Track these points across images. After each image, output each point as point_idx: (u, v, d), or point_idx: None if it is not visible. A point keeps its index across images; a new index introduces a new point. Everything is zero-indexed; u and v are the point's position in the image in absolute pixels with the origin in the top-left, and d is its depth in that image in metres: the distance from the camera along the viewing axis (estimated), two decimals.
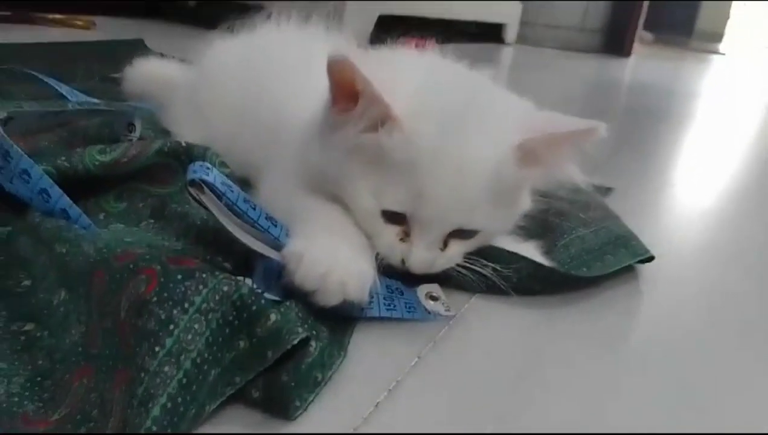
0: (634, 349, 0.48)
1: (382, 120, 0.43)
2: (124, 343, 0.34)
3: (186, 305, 0.34)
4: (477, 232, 0.49)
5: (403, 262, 0.47)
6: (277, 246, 0.44)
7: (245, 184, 0.56)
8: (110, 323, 0.35)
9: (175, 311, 0.34)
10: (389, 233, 0.47)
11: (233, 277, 0.38)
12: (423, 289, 0.49)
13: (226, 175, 0.52)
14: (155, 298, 0.34)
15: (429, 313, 0.47)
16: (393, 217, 0.46)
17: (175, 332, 0.33)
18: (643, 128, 1.50)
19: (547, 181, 0.52)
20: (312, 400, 0.36)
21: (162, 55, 1.09)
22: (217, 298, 0.35)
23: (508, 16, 3.30)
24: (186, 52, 0.84)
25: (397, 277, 0.48)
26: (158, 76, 0.88)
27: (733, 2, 5.52)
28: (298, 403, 0.35)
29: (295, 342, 0.35)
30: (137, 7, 2.21)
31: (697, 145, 1.45)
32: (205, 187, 0.43)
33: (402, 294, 0.48)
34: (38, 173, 0.47)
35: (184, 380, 0.32)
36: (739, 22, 5.66)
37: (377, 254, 0.47)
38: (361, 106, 0.43)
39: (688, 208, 0.91)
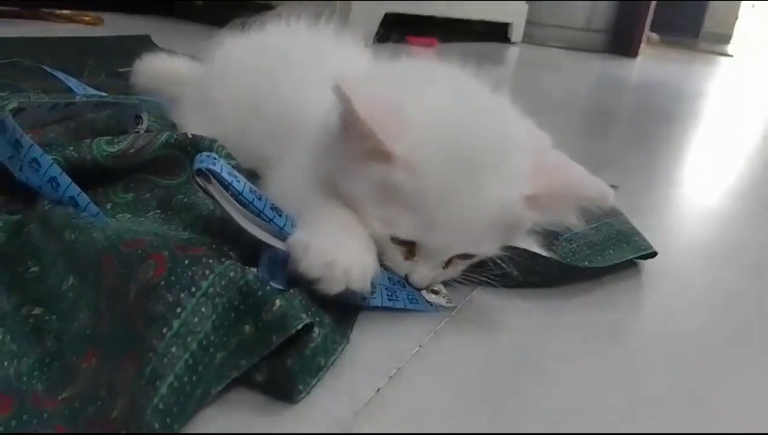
0: (635, 344, 0.49)
1: (385, 156, 0.43)
2: (133, 326, 0.34)
3: (193, 289, 0.35)
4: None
5: (406, 276, 0.48)
6: (282, 236, 0.45)
7: (252, 175, 0.57)
8: (119, 307, 0.36)
9: (182, 295, 0.34)
10: (395, 252, 0.48)
11: (240, 264, 0.38)
12: None
13: (233, 167, 0.52)
14: (163, 282, 0.35)
15: (431, 305, 0.48)
16: (401, 241, 0.47)
17: (183, 315, 0.34)
18: (650, 128, 1.50)
19: (550, 223, 0.52)
20: (314, 385, 0.36)
21: (170, 51, 1.10)
22: (223, 283, 0.36)
23: (514, 15, 3.30)
24: (194, 49, 0.85)
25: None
26: (167, 71, 0.89)
27: (742, 3, 5.49)
28: (301, 387, 0.35)
29: (299, 327, 0.36)
30: (145, 4, 2.22)
31: (704, 146, 1.45)
32: (211, 177, 0.44)
33: (404, 286, 0.48)
34: (48, 162, 0.48)
35: (191, 361, 0.32)
36: (747, 23, 5.63)
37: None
38: (360, 140, 0.43)
39: (694, 207, 0.91)
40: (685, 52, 4.65)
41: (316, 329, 0.38)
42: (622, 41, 3.49)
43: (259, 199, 0.46)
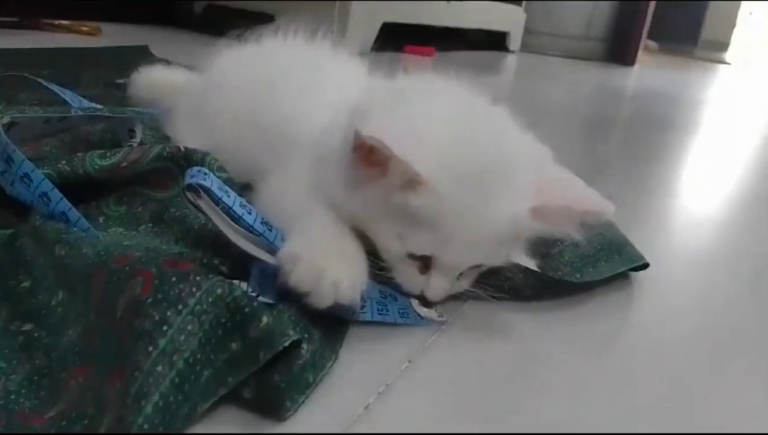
0: (625, 355, 0.49)
1: (412, 184, 0.44)
2: (121, 342, 0.34)
3: (180, 307, 0.35)
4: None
5: (421, 291, 0.49)
6: (272, 250, 0.45)
7: (246, 188, 0.57)
8: (108, 323, 0.36)
9: (168, 312, 0.34)
10: (410, 268, 0.48)
11: (227, 280, 0.38)
12: None
13: (224, 180, 0.53)
14: (150, 300, 0.35)
15: (422, 318, 0.48)
16: (417, 256, 0.48)
17: (169, 333, 0.34)
18: (648, 136, 1.50)
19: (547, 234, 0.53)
20: (303, 402, 0.36)
21: (168, 61, 1.10)
22: (210, 300, 0.36)
23: (512, 24, 3.31)
24: (192, 59, 0.85)
25: (391, 286, 0.49)
26: (164, 82, 0.89)
27: (739, 12, 5.52)
28: (289, 404, 0.35)
29: (287, 344, 0.36)
30: (144, 14, 2.23)
31: (701, 154, 1.45)
32: (201, 192, 0.44)
33: (395, 300, 0.48)
34: (39, 177, 0.48)
35: (177, 380, 0.32)
36: (745, 31, 5.65)
37: (384, 271, 0.49)
38: (392, 176, 0.44)
39: (689, 217, 0.91)
40: (683, 60, 4.67)
41: (304, 345, 0.38)
42: (619, 49, 3.50)
43: (250, 214, 0.46)
